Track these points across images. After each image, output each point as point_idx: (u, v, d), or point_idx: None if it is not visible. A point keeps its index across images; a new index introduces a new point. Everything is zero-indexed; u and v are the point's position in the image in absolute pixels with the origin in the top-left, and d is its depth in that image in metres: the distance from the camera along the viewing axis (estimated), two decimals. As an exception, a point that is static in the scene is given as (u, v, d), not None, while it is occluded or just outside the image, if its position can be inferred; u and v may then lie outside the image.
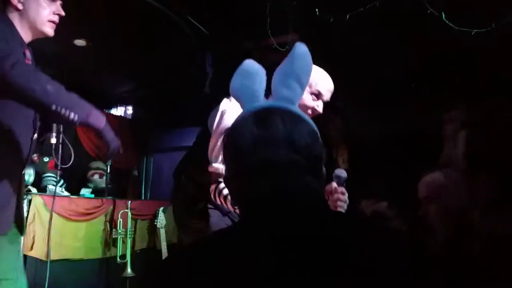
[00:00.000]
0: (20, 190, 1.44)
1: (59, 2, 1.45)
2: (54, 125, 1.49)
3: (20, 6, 1.38)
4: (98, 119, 1.30)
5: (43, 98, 1.19)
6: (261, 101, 0.78)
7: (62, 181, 3.64)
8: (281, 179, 0.67)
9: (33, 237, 2.79)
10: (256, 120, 0.71)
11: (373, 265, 0.54)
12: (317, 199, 0.70)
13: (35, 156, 1.61)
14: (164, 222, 3.80)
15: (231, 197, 0.78)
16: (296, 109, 0.75)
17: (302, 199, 0.66)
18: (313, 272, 0.54)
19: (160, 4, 2.89)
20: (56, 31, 1.64)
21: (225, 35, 3.20)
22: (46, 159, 1.59)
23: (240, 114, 0.77)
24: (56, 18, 1.43)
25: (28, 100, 1.22)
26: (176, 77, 4.13)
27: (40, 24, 1.41)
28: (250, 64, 0.84)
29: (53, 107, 1.21)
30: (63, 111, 1.21)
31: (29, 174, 3.06)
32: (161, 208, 3.84)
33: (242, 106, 0.79)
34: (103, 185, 4.04)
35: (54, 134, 1.50)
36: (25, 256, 2.42)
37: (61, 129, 1.56)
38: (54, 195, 2.85)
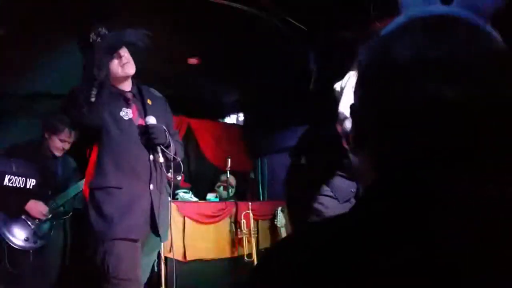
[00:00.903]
0: (152, 204, 1.70)
1: (121, 52, 1.75)
2: (159, 148, 1.74)
3: None
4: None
5: (83, 113, 1.58)
6: (438, 5, 0.49)
7: (190, 192, 4.03)
8: (462, 128, 0.41)
9: (171, 241, 3.13)
10: (428, 30, 0.44)
11: None
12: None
13: (169, 174, 1.89)
14: (283, 221, 3.89)
15: (357, 154, 0.50)
16: (488, 27, 0.47)
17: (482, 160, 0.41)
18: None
19: (257, 10, 2.96)
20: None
21: (325, 29, 3.12)
22: (178, 177, 1.87)
23: (401, 19, 0.49)
24: (124, 60, 1.77)
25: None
26: (281, 79, 4.19)
27: (115, 75, 1.77)
28: None
29: (92, 98, 1.56)
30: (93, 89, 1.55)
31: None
32: (279, 208, 3.94)
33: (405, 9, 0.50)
34: (226, 196, 4.31)
35: (160, 154, 1.74)
36: (165, 258, 2.73)
37: (166, 148, 1.80)
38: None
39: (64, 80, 2.31)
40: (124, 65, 1.75)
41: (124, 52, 1.76)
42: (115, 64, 1.74)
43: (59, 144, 2.69)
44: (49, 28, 2.64)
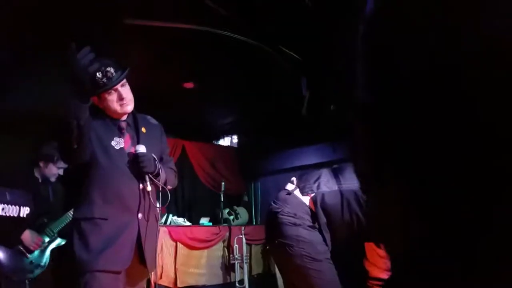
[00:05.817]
0: (140, 233, 1.70)
1: (119, 89, 1.75)
2: (147, 176, 1.73)
3: (100, 105, 1.77)
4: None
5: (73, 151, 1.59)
6: None
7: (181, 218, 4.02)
8: None
9: (162, 267, 3.09)
10: None
11: None
12: None
13: (158, 205, 1.89)
14: (276, 246, 3.86)
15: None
16: None
17: None
18: None
19: (254, 40, 3.03)
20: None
21: (318, 58, 3.19)
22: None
23: None
24: (124, 101, 1.76)
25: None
26: (275, 104, 4.24)
27: (114, 112, 1.78)
28: None
29: (75, 146, 1.55)
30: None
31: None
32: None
33: None
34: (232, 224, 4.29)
35: (148, 183, 1.74)
36: (155, 285, 2.69)
37: (155, 177, 1.79)
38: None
39: (51, 99, 2.32)
40: (123, 105, 1.77)
41: (127, 93, 1.78)
42: (114, 102, 1.76)
43: (55, 170, 2.73)
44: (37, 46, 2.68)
